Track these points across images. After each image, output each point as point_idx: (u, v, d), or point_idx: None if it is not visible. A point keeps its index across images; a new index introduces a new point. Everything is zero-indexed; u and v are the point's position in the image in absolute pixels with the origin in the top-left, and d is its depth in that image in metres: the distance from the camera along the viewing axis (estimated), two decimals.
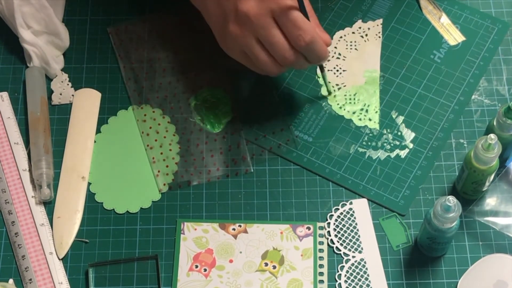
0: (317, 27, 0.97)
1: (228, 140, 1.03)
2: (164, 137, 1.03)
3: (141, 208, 0.99)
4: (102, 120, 1.05)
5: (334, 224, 0.98)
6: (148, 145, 1.02)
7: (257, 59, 0.96)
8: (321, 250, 0.96)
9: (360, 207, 0.99)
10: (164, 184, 1.00)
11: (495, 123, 0.94)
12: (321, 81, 1.06)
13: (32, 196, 0.99)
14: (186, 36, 1.09)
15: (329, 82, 1.06)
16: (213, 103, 1.05)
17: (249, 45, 0.95)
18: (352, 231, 0.97)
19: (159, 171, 1.01)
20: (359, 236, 0.97)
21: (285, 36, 0.94)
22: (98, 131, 1.04)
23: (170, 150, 1.02)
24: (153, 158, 1.01)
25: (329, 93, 1.05)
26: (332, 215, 0.98)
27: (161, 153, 1.02)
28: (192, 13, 1.04)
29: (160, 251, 0.96)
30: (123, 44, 1.09)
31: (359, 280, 0.95)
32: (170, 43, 1.09)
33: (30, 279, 0.95)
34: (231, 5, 0.95)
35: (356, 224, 0.98)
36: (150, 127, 1.04)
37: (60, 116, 1.05)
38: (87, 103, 1.06)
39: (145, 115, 1.04)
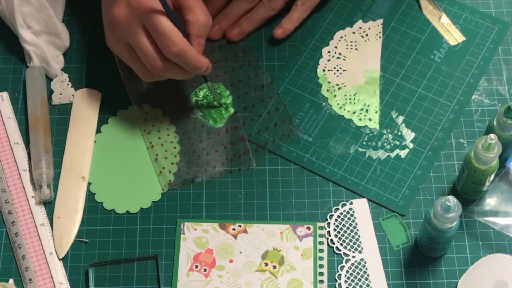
0: (197, 36, 0.95)
1: (229, 135, 1.03)
2: (167, 135, 1.03)
3: (141, 208, 0.99)
4: (102, 120, 1.05)
5: (334, 224, 0.98)
6: (150, 143, 1.02)
7: (129, 63, 0.97)
8: (321, 250, 0.96)
9: (360, 207, 0.99)
10: (168, 182, 1.00)
11: (495, 123, 0.94)
12: (209, 97, 1.05)
13: (32, 196, 0.99)
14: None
15: (218, 93, 1.05)
16: (213, 98, 1.05)
17: (121, 50, 0.96)
18: (352, 231, 0.97)
19: (162, 169, 1.01)
20: (359, 236, 0.97)
21: (156, 43, 0.93)
22: (98, 131, 1.04)
23: (174, 147, 1.02)
24: (156, 155, 1.01)
25: (220, 105, 1.05)
26: (332, 215, 0.98)
27: (165, 151, 1.02)
28: None
29: (160, 251, 0.96)
30: None
31: (359, 280, 0.95)
32: None
33: (30, 279, 0.95)
34: (108, 8, 0.95)
35: (356, 224, 0.98)
36: (152, 125, 1.04)
37: (60, 116, 1.05)
38: (87, 103, 1.06)
39: (146, 113, 1.04)
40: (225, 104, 1.05)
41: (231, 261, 0.96)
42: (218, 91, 1.05)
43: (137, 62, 0.96)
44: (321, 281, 0.95)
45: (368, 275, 0.95)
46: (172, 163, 1.01)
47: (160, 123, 1.04)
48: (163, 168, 1.01)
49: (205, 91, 1.06)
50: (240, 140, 1.03)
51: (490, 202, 0.98)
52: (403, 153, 1.02)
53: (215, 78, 1.06)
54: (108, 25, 0.96)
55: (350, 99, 1.06)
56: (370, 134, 1.03)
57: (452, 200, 0.87)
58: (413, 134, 1.03)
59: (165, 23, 0.92)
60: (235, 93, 1.06)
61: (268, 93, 1.06)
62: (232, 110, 1.05)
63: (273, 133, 1.03)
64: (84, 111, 1.05)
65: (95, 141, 1.03)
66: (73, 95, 1.06)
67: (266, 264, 0.96)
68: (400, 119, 1.04)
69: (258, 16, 1.09)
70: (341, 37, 1.10)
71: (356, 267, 0.95)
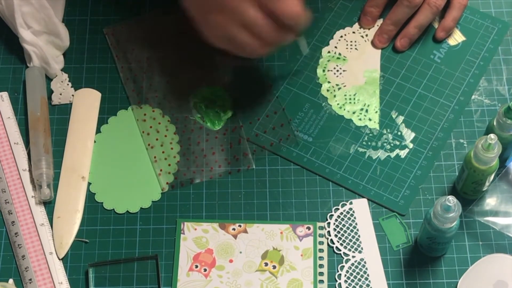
0: None
1: (228, 137, 1.03)
2: (165, 136, 1.03)
3: (141, 208, 0.99)
4: (102, 120, 1.05)
5: (334, 224, 0.98)
6: (149, 144, 1.02)
7: (242, 42, 0.96)
8: (321, 250, 0.96)
9: (360, 207, 0.99)
10: (167, 183, 1.00)
11: (495, 123, 0.94)
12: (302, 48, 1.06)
13: (32, 196, 0.99)
14: (184, 34, 1.09)
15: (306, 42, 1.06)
16: (212, 100, 1.05)
17: (233, 32, 0.95)
18: (352, 231, 0.97)
19: (161, 170, 1.01)
20: (359, 236, 0.97)
21: (267, 15, 0.93)
22: (98, 131, 1.04)
23: (172, 148, 1.02)
24: (155, 157, 1.02)
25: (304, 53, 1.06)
26: (332, 215, 0.98)
27: (163, 152, 1.02)
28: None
29: (160, 251, 0.96)
30: (120, 44, 1.09)
31: (359, 280, 0.95)
32: (168, 42, 1.09)
33: (30, 279, 0.95)
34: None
35: (356, 224, 0.98)
36: (151, 127, 1.04)
37: (60, 116, 1.05)
38: (87, 103, 1.06)
39: (144, 114, 1.04)
40: (224, 106, 1.05)
41: (231, 261, 0.96)
42: (217, 90, 1.05)
43: (251, 39, 0.95)
44: (321, 281, 0.95)
45: (368, 275, 0.95)
46: (170, 164, 1.01)
47: (159, 124, 1.04)
48: (161, 170, 1.01)
49: (204, 93, 1.06)
50: (239, 142, 1.03)
51: (490, 202, 0.98)
52: (403, 153, 1.02)
53: (213, 79, 1.06)
54: (215, 15, 0.95)
55: (350, 99, 1.06)
56: (370, 134, 1.03)
57: (452, 200, 0.87)
58: (413, 134, 1.03)
59: None
60: (233, 95, 1.06)
61: (266, 97, 1.06)
62: (230, 113, 1.05)
63: (271, 137, 1.03)
64: (84, 111, 1.05)
65: (95, 141, 1.03)
66: (73, 95, 1.06)
67: (266, 264, 0.96)
68: (400, 119, 1.04)
69: (425, 19, 1.07)
70: (341, 37, 1.10)
71: (356, 267, 0.95)
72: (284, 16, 0.93)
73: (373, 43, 1.09)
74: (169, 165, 1.01)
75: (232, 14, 0.94)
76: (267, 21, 0.93)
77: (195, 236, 0.97)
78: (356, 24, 1.11)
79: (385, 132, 1.03)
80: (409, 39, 1.08)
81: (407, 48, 1.08)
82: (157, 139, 1.03)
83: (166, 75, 1.07)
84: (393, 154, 1.02)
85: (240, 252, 0.96)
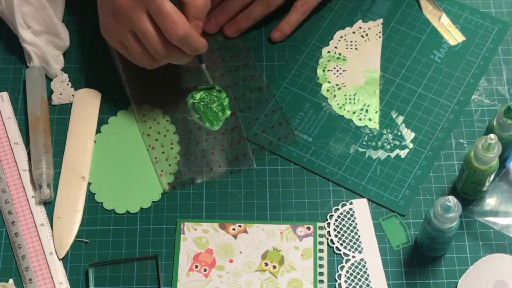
0: (194, 17, 0.97)
1: (228, 137, 1.03)
2: (165, 136, 1.03)
3: (141, 208, 0.99)
4: (102, 120, 1.05)
5: (334, 224, 0.98)
6: (149, 146, 1.02)
7: (132, 50, 0.97)
8: (321, 250, 0.96)
9: (360, 207, 0.99)
10: (168, 183, 1.00)
11: (495, 123, 0.94)
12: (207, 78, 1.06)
13: (32, 196, 0.99)
14: None
15: (212, 78, 1.06)
16: (210, 100, 1.05)
17: (125, 37, 0.96)
18: (352, 231, 0.97)
19: (162, 171, 1.01)
20: (359, 236, 0.97)
21: (159, 30, 0.94)
22: (98, 131, 1.04)
23: (172, 149, 1.02)
24: (155, 158, 1.02)
25: (213, 87, 1.06)
26: (332, 215, 0.98)
27: (163, 153, 1.02)
28: None
29: (160, 251, 0.96)
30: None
31: (359, 280, 0.95)
32: None
33: (30, 279, 0.95)
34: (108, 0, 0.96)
35: (356, 224, 0.98)
36: (150, 127, 1.04)
37: (60, 116, 1.05)
38: (87, 103, 1.06)
39: (144, 115, 1.04)
40: (222, 106, 1.05)
41: (231, 261, 0.96)
42: (215, 90, 1.05)
43: (140, 49, 0.96)
44: (321, 281, 0.95)
45: (368, 275, 0.95)
46: (170, 165, 1.01)
47: (158, 124, 1.04)
48: (162, 170, 1.01)
49: (202, 93, 1.06)
50: (239, 141, 1.03)
51: (490, 202, 0.98)
52: (403, 153, 1.02)
53: (212, 80, 1.06)
54: (109, 17, 0.96)
55: (350, 99, 1.06)
56: (370, 134, 1.03)
57: (452, 200, 0.87)
58: (413, 134, 1.03)
59: (169, 7, 0.93)
60: (231, 95, 1.06)
61: (265, 96, 1.06)
62: (228, 112, 1.05)
63: (270, 136, 1.03)
64: (84, 111, 1.05)
65: (95, 141, 1.03)
66: (73, 95, 1.06)
67: (266, 264, 0.96)
68: (400, 119, 1.04)
69: (255, 13, 1.09)
70: (341, 37, 1.10)
71: (356, 267, 0.95)
72: (168, 35, 0.94)
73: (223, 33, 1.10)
74: (170, 165, 1.01)
75: (125, 21, 0.94)
76: (157, 36, 0.94)
77: (195, 236, 0.97)
78: (356, 24, 1.11)
79: (385, 132, 1.03)
80: (237, 26, 1.09)
81: (235, 35, 1.09)
82: (157, 140, 1.03)
83: (165, 74, 1.07)
84: (393, 154, 1.02)
85: (240, 252, 0.96)
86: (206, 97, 1.05)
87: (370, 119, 1.04)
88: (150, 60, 0.97)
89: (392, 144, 1.03)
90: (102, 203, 1.00)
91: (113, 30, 0.97)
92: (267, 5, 1.08)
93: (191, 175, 1.01)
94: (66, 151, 1.02)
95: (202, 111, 1.05)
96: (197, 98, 1.06)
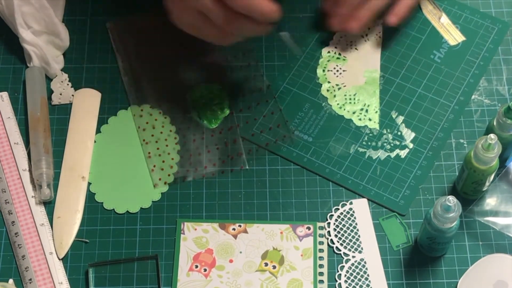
0: None
1: (224, 135, 1.03)
2: (161, 132, 1.03)
3: (141, 208, 0.99)
4: (102, 120, 1.05)
5: (334, 224, 0.98)
6: (144, 140, 1.02)
7: (204, 30, 0.95)
8: (321, 250, 0.96)
9: (360, 207, 0.99)
10: (160, 179, 1.00)
11: (495, 123, 0.94)
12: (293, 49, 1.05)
13: (32, 196, 0.99)
14: (184, 32, 1.09)
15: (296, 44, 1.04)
16: (209, 98, 1.05)
17: (194, 19, 0.94)
18: (352, 231, 0.97)
19: (154, 166, 1.01)
20: (359, 236, 0.97)
21: (223, 4, 0.92)
22: (98, 131, 1.04)
23: (167, 145, 1.02)
24: (149, 153, 1.02)
25: (298, 53, 1.05)
26: (332, 215, 0.98)
27: (157, 148, 1.02)
28: None
29: (160, 251, 0.96)
30: (121, 38, 1.09)
31: (359, 280, 0.95)
32: (168, 39, 1.09)
33: (30, 279, 0.95)
34: None
35: (356, 224, 0.98)
36: (147, 122, 1.04)
37: (60, 116, 1.05)
38: (87, 103, 1.06)
39: (142, 110, 1.05)
40: (221, 104, 1.05)
41: (231, 261, 0.96)
42: (216, 89, 1.05)
43: (211, 27, 0.94)
44: (321, 281, 0.95)
45: (368, 275, 0.95)
46: (164, 161, 1.01)
47: (155, 120, 1.04)
48: (154, 166, 1.01)
49: (202, 91, 1.06)
50: (235, 142, 1.03)
51: (490, 202, 0.98)
52: (403, 153, 1.02)
53: (212, 77, 1.06)
54: (177, 3, 0.95)
55: (350, 99, 1.06)
56: (370, 134, 1.03)
57: (452, 200, 0.87)
58: (413, 134, 1.03)
59: None
60: (231, 94, 1.06)
61: (264, 97, 1.06)
62: (227, 111, 1.05)
63: (268, 137, 1.03)
64: (84, 111, 1.05)
65: (95, 141, 1.03)
66: (73, 95, 1.06)
67: (266, 264, 0.96)
68: (400, 119, 1.04)
69: (377, 4, 1.05)
70: (341, 37, 1.10)
71: (356, 267, 0.95)
72: (229, 1, 0.91)
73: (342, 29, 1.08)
74: (163, 161, 1.01)
75: (190, 3, 0.93)
76: (220, 7, 0.92)
77: (195, 236, 0.97)
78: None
79: (385, 132, 1.03)
80: (360, 21, 1.06)
81: (358, 31, 1.06)
82: (152, 135, 1.03)
83: (165, 71, 1.07)
84: (393, 154, 1.02)
85: (240, 252, 0.96)
86: (206, 95, 1.05)
87: (370, 119, 1.04)
88: (224, 36, 0.95)
89: (392, 144, 1.03)
90: (102, 203, 1.00)
91: (182, 15, 0.96)
92: None
93: (183, 173, 1.01)
94: (66, 151, 1.02)
95: (201, 108, 1.05)
96: (197, 96, 1.06)
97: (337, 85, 1.07)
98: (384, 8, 1.07)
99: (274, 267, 0.96)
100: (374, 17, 1.07)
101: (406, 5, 1.08)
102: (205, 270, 0.95)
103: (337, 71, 1.08)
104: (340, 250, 0.96)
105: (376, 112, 1.05)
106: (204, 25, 0.95)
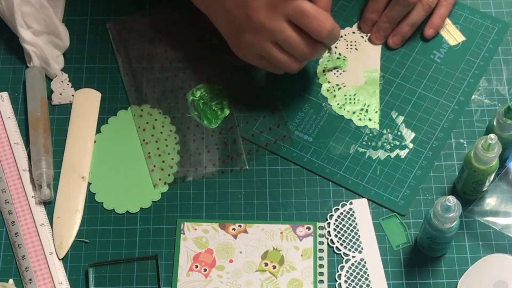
0: (325, 9, 0.97)
1: (224, 135, 1.03)
2: (161, 132, 1.03)
3: (141, 208, 0.99)
4: (102, 120, 1.05)
5: (334, 224, 0.98)
6: (144, 140, 1.02)
7: (277, 61, 0.98)
8: (321, 250, 0.96)
9: (360, 207, 0.99)
10: (160, 179, 1.00)
11: (495, 123, 0.94)
12: (329, 64, 1.07)
13: (32, 196, 0.99)
14: (185, 31, 1.09)
15: (337, 58, 1.08)
16: (210, 98, 1.05)
17: (267, 50, 0.97)
18: (352, 231, 0.97)
19: (154, 166, 1.01)
20: (359, 236, 0.97)
21: (301, 32, 0.95)
22: (98, 131, 1.04)
23: (167, 145, 1.02)
24: (149, 153, 1.02)
25: (337, 67, 1.08)
26: (332, 215, 0.98)
27: (157, 148, 1.02)
28: (191, 9, 1.04)
29: (160, 251, 0.96)
30: (122, 38, 1.09)
31: (359, 280, 0.95)
32: (169, 39, 1.09)
33: (30, 279, 0.95)
34: (242, 15, 0.96)
35: (356, 224, 0.98)
36: (147, 122, 1.04)
37: (60, 116, 1.05)
38: (87, 103, 1.06)
39: (142, 110, 1.05)
40: (221, 104, 1.05)
41: (231, 261, 0.96)
42: (216, 89, 1.05)
43: (286, 56, 0.97)
44: (321, 281, 0.95)
45: (368, 275, 0.95)
46: (164, 161, 1.01)
47: (155, 120, 1.04)
48: (154, 166, 1.01)
49: (202, 91, 1.06)
50: (234, 142, 1.03)
51: (490, 202, 0.98)
52: (403, 153, 1.02)
53: (212, 77, 1.07)
54: (244, 35, 0.97)
55: (350, 99, 1.06)
56: (370, 134, 1.03)
57: (452, 200, 0.87)
58: (413, 134, 1.03)
59: (309, 6, 0.94)
60: (231, 94, 1.06)
61: (265, 97, 1.06)
62: (227, 112, 1.05)
63: (268, 137, 1.03)
64: (84, 111, 1.05)
65: (95, 141, 1.03)
66: (73, 95, 1.06)
67: (266, 264, 0.96)
68: (400, 119, 1.04)
69: (417, 17, 1.08)
70: (341, 37, 1.10)
71: (356, 267, 0.95)
72: (317, 34, 0.95)
73: (370, 39, 1.09)
74: (163, 161, 1.01)
75: (265, 34, 0.95)
76: (301, 39, 0.95)
77: (195, 236, 0.97)
78: (356, 24, 1.11)
79: (385, 132, 1.03)
80: (401, 37, 1.08)
81: (400, 45, 1.09)
82: (152, 135, 1.03)
83: (165, 71, 1.07)
84: (393, 154, 1.02)
85: (240, 252, 0.96)
86: (206, 95, 1.05)
87: (370, 119, 1.04)
88: (296, 63, 0.98)
89: (392, 144, 1.03)
90: (102, 203, 1.00)
91: (250, 47, 0.98)
92: (427, 7, 1.07)
93: (183, 173, 1.01)
94: (66, 151, 1.02)
95: (201, 108, 1.05)
96: (197, 96, 1.06)
97: (337, 85, 1.07)
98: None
99: (274, 267, 0.96)
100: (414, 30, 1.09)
101: (441, 16, 1.09)
102: (205, 270, 0.95)
103: (337, 71, 1.08)
104: (340, 250, 0.96)
105: (376, 112, 1.05)
106: (277, 56, 0.97)
